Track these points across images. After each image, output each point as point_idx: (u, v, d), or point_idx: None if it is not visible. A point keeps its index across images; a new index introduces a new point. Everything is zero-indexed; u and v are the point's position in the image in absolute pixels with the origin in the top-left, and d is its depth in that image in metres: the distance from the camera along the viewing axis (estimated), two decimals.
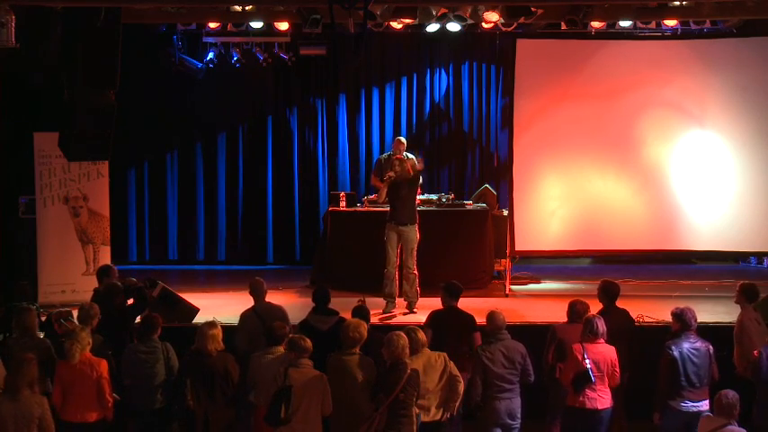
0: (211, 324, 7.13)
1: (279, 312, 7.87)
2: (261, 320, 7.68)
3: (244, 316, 7.92)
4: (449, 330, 7.57)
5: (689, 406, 6.96)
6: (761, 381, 7.03)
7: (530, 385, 7.26)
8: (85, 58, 8.50)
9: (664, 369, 7.02)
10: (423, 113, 13.64)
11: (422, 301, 9.89)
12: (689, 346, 7.02)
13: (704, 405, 6.98)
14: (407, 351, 6.54)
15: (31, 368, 6.28)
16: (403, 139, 12.06)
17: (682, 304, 7.41)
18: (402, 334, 6.60)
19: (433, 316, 7.76)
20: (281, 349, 6.91)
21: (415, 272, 9.90)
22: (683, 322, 7.11)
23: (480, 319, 7.58)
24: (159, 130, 13.38)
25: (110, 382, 6.84)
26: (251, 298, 8.09)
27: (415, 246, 9.89)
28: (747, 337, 7.50)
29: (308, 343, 6.58)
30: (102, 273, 8.81)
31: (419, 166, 10.02)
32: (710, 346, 7.13)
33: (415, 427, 6.55)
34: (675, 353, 6.97)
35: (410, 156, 11.95)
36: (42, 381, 6.83)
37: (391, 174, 9.96)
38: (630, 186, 11.12)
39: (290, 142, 13.60)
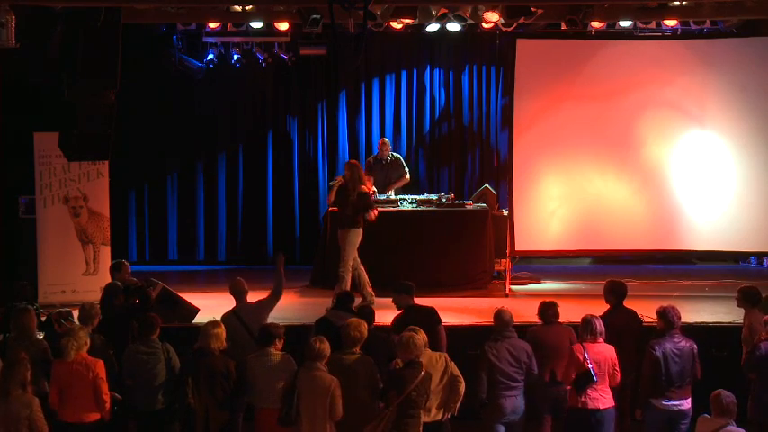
0: (215, 323, 7.15)
1: (259, 312, 7.79)
2: (240, 321, 7.66)
3: (223, 318, 7.75)
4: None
5: (670, 404, 7.03)
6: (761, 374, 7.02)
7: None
8: (85, 58, 8.50)
9: (647, 368, 7.08)
10: (423, 113, 13.65)
11: (419, 300, 9.89)
12: (672, 345, 7.07)
13: (686, 403, 7.08)
14: (423, 350, 6.59)
15: (23, 369, 6.27)
16: (387, 140, 12.22)
17: (666, 303, 7.42)
18: (421, 331, 6.65)
19: (397, 321, 7.65)
20: (274, 350, 6.91)
21: (342, 274, 9.84)
22: (666, 321, 7.15)
23: (481, 319, 7.58)
24: (159, 129, 13.37)
25: (106, 383, 6.83)
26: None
27: (348, 249, 9.86)
28: (757, 338, 7.45)
29: (324, 346, 6.57)
30: (114, 268, 8.82)
31: (367, 187, 10.03)
32: (694, 345, 7.17)
33: (420, 428, 6.57)
34: (659, 353, 7.02)
35: (398, 156, 12.07)
36: (38, 382, 6.82)
37: (339, 179, 9.98)
38: (630, 186, 11.11)
39: (289, 142, 13.61)
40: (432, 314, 7.75)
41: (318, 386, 6.46)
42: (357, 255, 9.95)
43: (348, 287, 9.66)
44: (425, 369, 6.68)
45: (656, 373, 7.02)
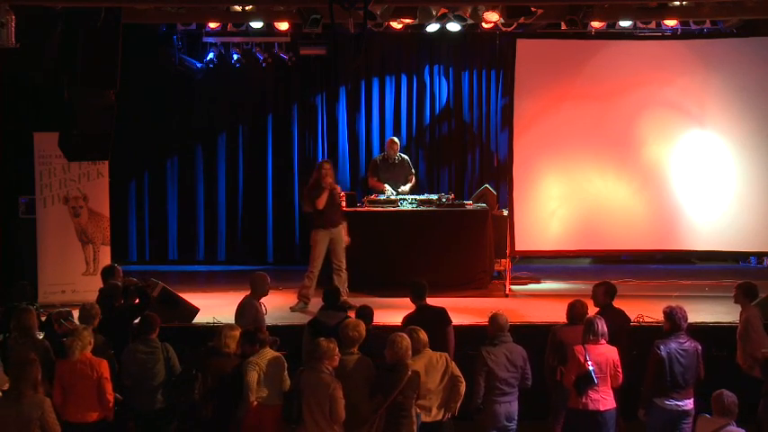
0: (232, 326, 7.24)
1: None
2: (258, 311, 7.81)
3: (247, 303, 7.97)
4: (425, 330, 7.48)
5: (673, 405, 7.05)
6: None
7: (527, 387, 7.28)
8: (85, 58, 8.50)
9: (651, 368, 7.08)
10: (423, 113, 13.64)
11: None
12: (677, 346, 7.06)
13: (688, 404, 7.09)
14: (410, 353, 6.55)
15: (34, 369, 6.24)
16: (396, 140, 12.15)
17: (673, 303, 7.41)
18: (405, 335, 6.61)
19: (407, 319, 7.65)
20: (270, 350, 6.96)
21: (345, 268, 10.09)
22: (672, 322, 7.14)
23: (480, 319, 7.58)
24: (159, 130, 13.36)
25: (110, 383, 6.84)
26: None
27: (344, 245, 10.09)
28: (754, 334, 7.47)
29: (331, 346, 6.58)
30: (107, 272, 8.82)
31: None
32: (699, 346, 7.17)
33: (415, 427, 6.56)
34: (663, 353, 7.02)
35: (405, 156, 12.04)
36: (42, 382, 6.83)
37: (331, 181, 10.06)
38: (630, 186, 11.11)
39: (289, 142, 13.59)
40: (442, 315, 7.75)
41: (319, 388, 6.46)
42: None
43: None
44: (425, 369, 6.69)
45: (660, 373, 7.01)
